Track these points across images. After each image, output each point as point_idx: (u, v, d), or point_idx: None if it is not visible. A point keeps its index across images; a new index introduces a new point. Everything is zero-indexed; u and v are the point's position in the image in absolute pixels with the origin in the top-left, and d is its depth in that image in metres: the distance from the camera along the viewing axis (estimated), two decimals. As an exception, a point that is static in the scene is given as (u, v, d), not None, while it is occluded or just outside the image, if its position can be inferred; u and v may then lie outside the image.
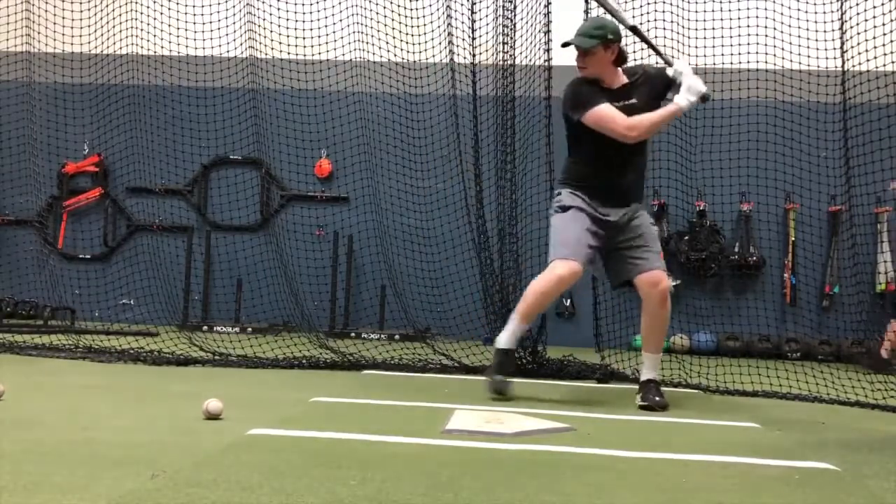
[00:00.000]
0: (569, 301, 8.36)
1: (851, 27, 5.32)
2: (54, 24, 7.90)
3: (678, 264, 8.28)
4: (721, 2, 6.85)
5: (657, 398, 3.89)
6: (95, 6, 7.95)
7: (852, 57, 5.34)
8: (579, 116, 3.92)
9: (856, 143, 5.50)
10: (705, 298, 8.14)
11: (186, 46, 8.00)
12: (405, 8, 7.60)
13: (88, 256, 8.84)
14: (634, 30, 4.15)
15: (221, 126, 8.52)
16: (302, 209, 8.70)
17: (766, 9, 6.97)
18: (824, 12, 6.36)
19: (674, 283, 8.22)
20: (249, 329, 7.95)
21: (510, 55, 5.73)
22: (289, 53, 7.74)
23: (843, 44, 5.43)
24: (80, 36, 7.89)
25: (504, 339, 4.10)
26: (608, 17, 4.27)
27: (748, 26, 7.01)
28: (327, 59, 7.87)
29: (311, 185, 8.77)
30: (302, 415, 3.33)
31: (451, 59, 6.43)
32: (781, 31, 6.75)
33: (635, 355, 5.07)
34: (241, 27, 7.88)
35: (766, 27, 6.92)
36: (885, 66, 4.97)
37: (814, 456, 2.85)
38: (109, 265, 8.78)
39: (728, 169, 7.41)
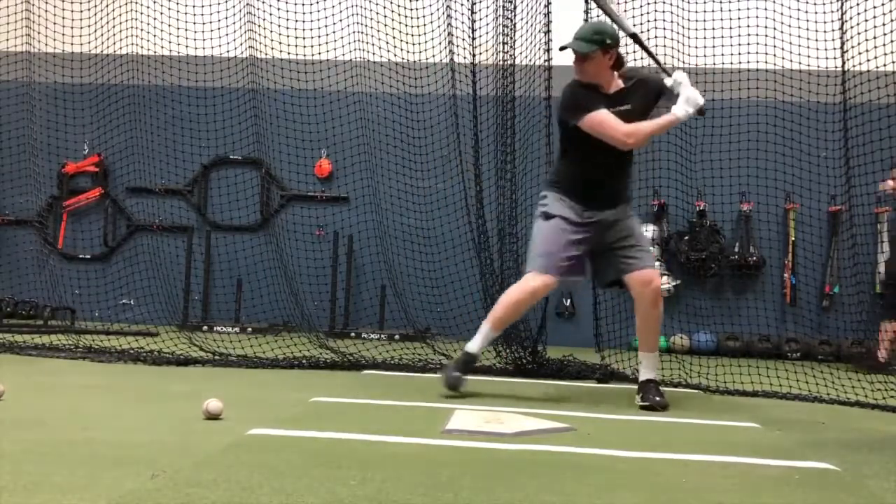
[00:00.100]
0: (569, 301, 8.37)
1: (851, 27, 5.32)
2: (54, 24, 7.90)
3: (678, 264, 8.28)
4: (721, 2, 6.85)
5: (657, 398, 3.89)
6: (95, 6, 7.95)
7: (852, 57, 5.34)
8: (577, 121, 3.92)
9: (856, 143, 5.50)
10: (705, 298, 8.14)
11: (186, 46, 8.00)
12: (405, 8, 7.60)
13: (88, 256, 8.84)
14: (634, 37, 4.14)
15: (221, 126, 8.52)
16: (302, 209, 8.70)
17: (766, 9, 6.97)
18: (824, 12, 6.36)
19: (674, 283, 8.28)
20: (249, 329, 7.95)
21: (510, 55, 5.72)
22: (289, 53, 7.74)
23: (843, 44, 5.43)
24: (80, 36, 7.89)
25: (474, 344, 4.12)
26: (608, 20, 4.27)
27: (748, 26, 7.02)
28: (327, 59, 7.87)
29: (311, 185, 8.77)
30: (302, 415, 3.33)
31: (451, 59, 6.43)
32: (781, 31, 6.75)
33: (635, 355, 5.06)
34: (241, 27, 7.88)
35: (766, 27, 6.92)
36: (885, 66, 4.97)
37: (814, 456, 2.85)
38: (109, 265, 8.78)
39: (728, 169, 7.41)
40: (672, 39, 6.73)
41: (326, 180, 8.82)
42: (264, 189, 8.81)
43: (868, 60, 5.19)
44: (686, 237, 8.28)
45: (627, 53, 4.24)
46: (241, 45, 7.90)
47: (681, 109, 3.87)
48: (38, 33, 7.93)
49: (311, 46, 7.71)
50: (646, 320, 4.01)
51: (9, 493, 1.92)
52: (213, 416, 3.05)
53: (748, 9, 7.13)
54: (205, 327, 7.81)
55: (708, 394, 4.72)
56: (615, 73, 4.02)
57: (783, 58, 6.78)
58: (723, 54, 6.80)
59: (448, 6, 6.48)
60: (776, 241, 8.25)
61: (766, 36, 6.87)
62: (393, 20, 7.72)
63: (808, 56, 6.60)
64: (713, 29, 6.81)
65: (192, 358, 5.20)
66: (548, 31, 5.52)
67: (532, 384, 4.76)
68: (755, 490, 2.34)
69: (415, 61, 7.56)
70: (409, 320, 7.76)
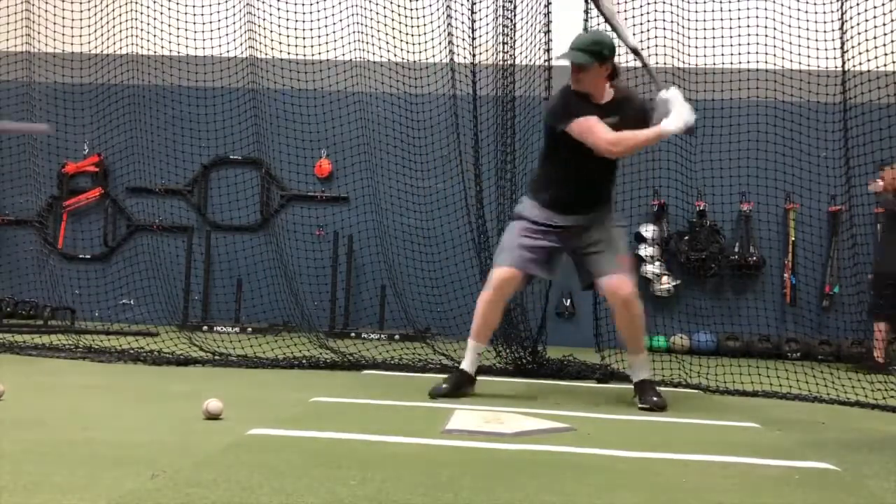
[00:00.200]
0: (569, 301, 8.37)
1: (851, 27, 5.32)
2: (54, 24, 7.90)
3: (678, 264, 8.29)
4: (721, 2, 6.85)
5: (655, 398, 3.89)
6: (95, 6, 7.95)
7: (852, 57, 5.33)
8: (564, 125, 3.91)
9: (856, 143, 5.49)
10: (705, 298, 8.14)
11: (186, 46, 8.00)
12: (405, 8, 7.60)
13: (88, 256, 8.84)
14: (636, 52, 4.13)
15: (221, 126, 8.52)
16: (302, 209, 8.70)
17: (766, 9, 6.97)
18: (824, 12, 6.36)
19: (674, 283, 8.28)
20: (249, 329, 7.94)
21: (510, 55, 5.72)
22: (289, 53, 7.74)
23: (843, 44, 5.43)
24: (80, 36, 7.89)
25: (465, 363, 4.15)
26: (608, 28, 4.26)
27: (748, 26, 7.02)
28: (327, 59, 7.87)
29: (311, 185, 8.77)
30: (302, 415, 3.33)
31: (451, 59, 6.43)
32: (781, 31, 6.75)
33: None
34: (241, 27, 7.88)
35: (766, 27, 6.92)
36: (885, 66, 4.97)
37: (814, 456, 2.85)
38: (109, 265, 8.78)
39: (728, 169, 7.41)
40: (672, 39, 6.73)
41: (326, 180, 8.82)
42: (264, 189, 8.81)
43: (868, 60, 5.19)
44: (686, 237, 8.28)
45: (622, 55, 4.23)
46: (241, 45, 7.90)
47: (671, 124, 3.83)
48: (38, 33, 7.93)
49: (311, 46, 7.71)
50: (622, 325, 4.04)
51: (9, 493, 1.92)
52: (213, 416, 3.05)
53: (748, 9, 7.13)
54: (205, 327, 7.81)
55: (708, 394, 4.72)
56: (609, 83, 4.00)
57: (783, 58, 6.78)
58: (723, 54, 6.81)
59: (448, 6, 6.48)
60: (776, 241, 8.25)
61: (766, 36, 6.87)
62: (393, 20, 7.72)
63: (808, 56, 6.60)
64: (713, 29, 6.81)
65: (192, 358, 5.20)
66: (548, 31, 5.52)
67: (532, 384, 4.76)
68: (755, 490, 2.34)
69: (415, 61, 7.56)
70: (409, 320, 7.76)
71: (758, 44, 6.90)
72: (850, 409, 4.33)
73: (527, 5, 5.83)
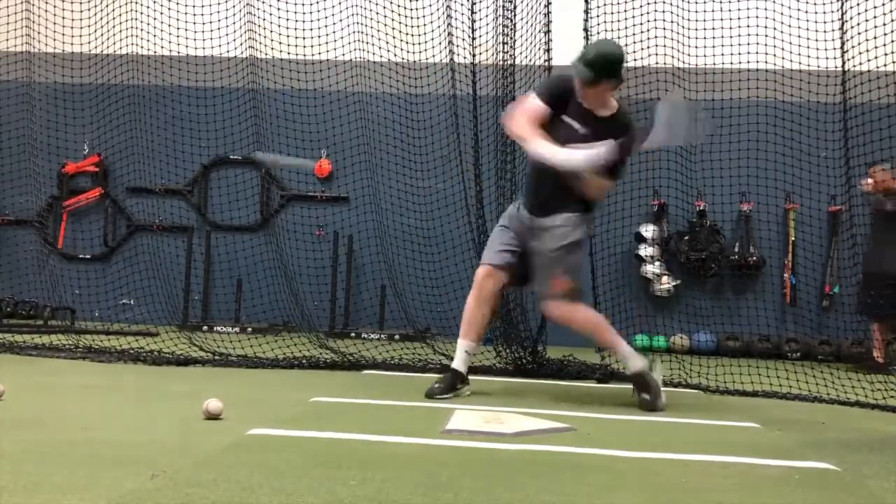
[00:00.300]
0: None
1: (851, 27, 5.32)
2: (54, 24, 7.90)
3: (678, 264, 8.29)
4: (721, 2, 6.85)
5: (645, 397, 3.88)
6: (95, 6, 7.95)
7: (852, 57, 5.34)
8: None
9: (856, 143, 5.49)
10: (705, 298, 8.14)
11: (186, 46, 8.00)
12: (405, 8, 7.60)
13: (88, 256, 8.85)
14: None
15: (221, 126, 8.52)
16: (302, 209, 8.70)
17: (766, 9, 6.97)
18: (824, 12, 6.36)
19: (674, 283, 8.28)
20: (249, 329, 7.94)
21: (510, 55, 5.72)
22: (289, 53, 7.74)
23: (843, 44, 5.43)
24: (80, 36, 7.89)
25: (456, 362, 4.16)
26: (614, 42, 4.26)
27: (748, 26, 7.02)
28: (327, 59, 7.88)
29: (311, 185, 8.77)
30: (302, 415, 3.33)
31: (451, 59, 6.43)
32: (781, 31, 6.75)
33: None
34: (241, 27, 7.89)
35: (766, 27, 6.92)
36: (885, 66, 4.97)
37: (814, 456, 2.85)
38: (109, 265, 8.78)
39: (728, 169, 7.41)
40: (672, 39, 6.74)
41: (326, 180, 8.82)
42: (264, 189, 8.81)
43: (868, 60, 5.19)
44: (686, 237, 8.28)
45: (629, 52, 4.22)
46: (241, 45, 7.90)
47: (572, 157, 3.72)
48: (38, 33, 7.94)
49: (311, 46, 7.72)
50: (577, 329, 4.08)
51: (9, 493, 1.92)
52: (213, 416, 3.05)
53: (748, 9, 7.13)
54: (205, 327, 7.81)
55: (708, 394, 4.72)
56: (611, 96, 3.97)
57: (783, 58, 6.78)
58: (723, 54, 6.81)
59: (448, 6, 6.48)
60: (776, 241, 8.25)
61: (766, 36, 6.87)
62: (393, 20, 7.72)
63: (808, 56, 6.61)
64: (713, 29, 6.82)
65: (192, 358, 5.20)
66: (548, 31, 5.52)
67: (532, 384, 4.76)
68: (755, 490, 2.34)
69: (415, 61, 7.56)
70: (409, 320, 7.76)
71: (758, 44, 6.90)
72: (850, 409, 4.33)
73: (527, 5, 5.83)
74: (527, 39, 5.80)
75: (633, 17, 6.45)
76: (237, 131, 8.51)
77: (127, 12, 8.00)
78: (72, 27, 7.90)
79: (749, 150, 7.66)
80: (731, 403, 4.36)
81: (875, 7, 5.26)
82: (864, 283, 6.62)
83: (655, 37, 6.59)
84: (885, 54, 4.93)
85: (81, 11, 7.93)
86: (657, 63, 6.77)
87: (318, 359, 5.34)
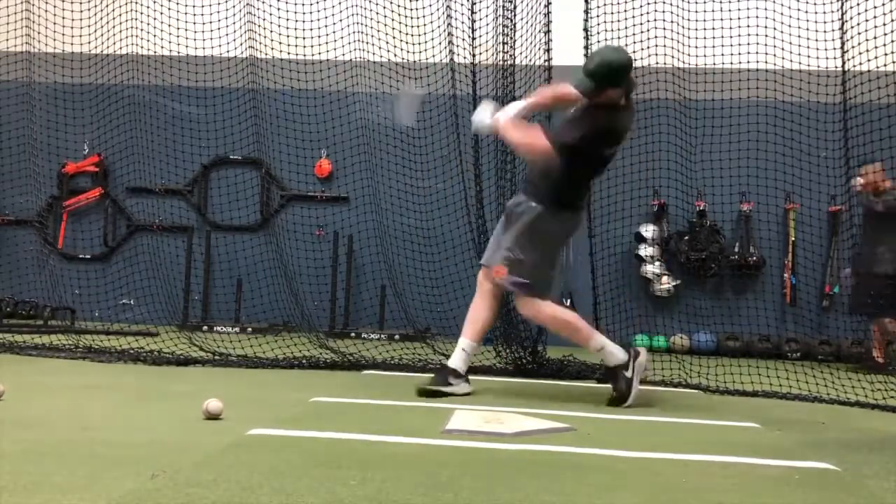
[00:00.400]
0: (569, 301, 8.35)
1: (851, 27, 5.32)
2: (54, 24, 7.90)
3: (678, 264, 8.29)
4: (721, 2, 6.85)
5: (614, 392, 3.98)
6: (95, 6, 7.95)
7: (852, 57, 5.34)
8: None
9: (856, 143, 5.49)
10: (705, 298, 8.15)
11: (186, 46, 8.00)
12: (405, 8, 7.60)
13: (88, 256, 8.85)
14: None
15: (221, 126, 8.52)
16: (302, 209, 8.70)
17: (766, 9, 6.97)
18: (824, 12, 6.36)
19: (674, 283, 8.28)
20: (249, 329, 7.94)
21: (510, 55, 5.72)
22: (289, 53, 7.74)
23: (843, 44, 5.43)
24: (80, 36, 7.89)
25: (451, 359, 4.20)
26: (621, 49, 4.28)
27: (748, 26, 7.02)
28: (327, 59, 7.87)
29: (311, 185, 8.77)
30: (302, 415, 3.33)
31: (451, 59, 6.43)
32: (781, 31, 6.75)
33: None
34: (241, 27, 7.88)
35: (766, 27, 6.92)
36: (885, 66, 4.97)
37: (814, 456, 2.85)
38: (109, 265, 8.78)
39: (728, 169, 7.41)
40: (672, 39, 6.74)
41: (326, 180, 8.82)
42: (264, 189, 8.81)
43: (868, 60, 5.19)
44: (686, 237, 8.28)
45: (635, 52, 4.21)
46: (241, 45, 7.90)
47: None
48: (38, 33, 7.93)
49: (311, 46, 7.71)
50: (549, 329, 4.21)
51: (9, 493, 1.92)
52: (213, 416, 3.05)
53: (748, 9, 7.13)
54: (205, 327, 7.81)
55: (708, 394, 4.72)
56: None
57: (783, 58, 6.78)
58: (723, 54, 6.81)
59: (448, 6, 6.48)
60: (776, 241, 8.25)
61: (766, 36, 6.87)
62: (393, 20, 7.72)
63: (808, 56, 6.61)
64: (713, 29, 6.81)
65: (192, 358, 5.20)
66: (548, 31, 5.52)
67: (532, 384, 4.76)
68: (755, 490, 2.34)
69: (415, 61, 7.56)
70: (409, 320, 7.76)
71: (758, 44, 6.90)
72: (850, 409, 4.33)
73: (527, 5, 5.83)
74: (527, 39, 5.80)
75: (633, 17, 6.45)
76: (237, 131, 8.51)
77: (127, 12, 7.99)
78: (72, 27, 7.90)
79: (749, 150, 7.66)
80: (731, 403, 4.36)
81: (875, 7, 5.26)
82: (857, 283, 6.64)
83: (655, 37, 6.59)
84: (885, 54, 4.93)
85: (81, 11, 7.92)
86: (657, 63, 6.77)
87: (318, 359, 5.34)
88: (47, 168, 8.66)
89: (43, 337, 6.08)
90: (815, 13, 6.51)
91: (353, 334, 7.69)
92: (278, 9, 7.78)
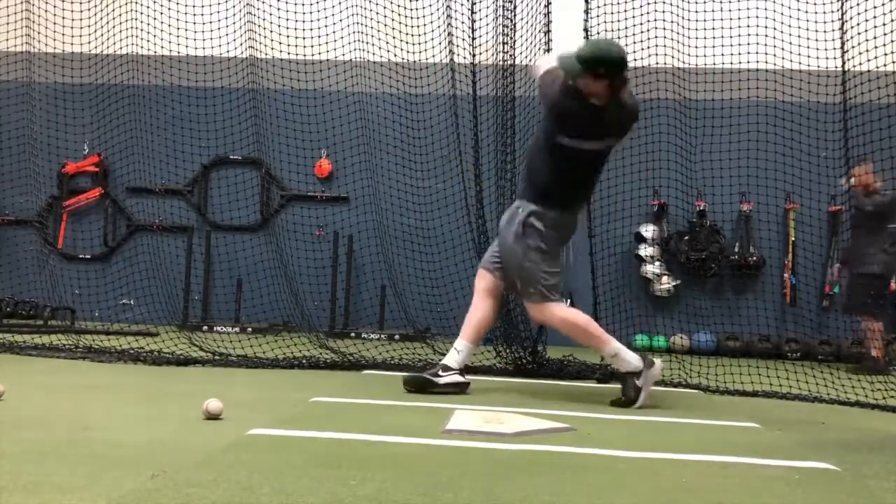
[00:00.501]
0: (568, 301, 8.35)
1: (851, 27, 5.32)
2: (54, 24, 7.90)
3: (678, 264, 8.29)
4: (721, 2, 6.85)
5: (628, 390, 3.94)
6: (95, 6, 7.95)
7: (852, 57, 5.34)
8: None
9: (856, 143, 5.49)
10: (705, 298, 8.15)
11: (186, 46, 8.00)
12: (405, 8, 7.60)
13: (88, 256, 8.85)
14: None
15: (221, 126, 8.52)
16: (302, 209, 8.71)
17: (766, 9, 6.97)
18: (824, 12, 6.36)
19: (674, 283, 8.28)
20: (249, 329, 7.95)
21: (510, 55, 5.73)
22: (289, 53, 7.74)
23: (843, 44, 5.43)
24: (80, 36, 7.89)
25: (450, 359, 4.18)
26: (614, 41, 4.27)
27: (748, 26, 7.02)
28: (327, 59, 7.88)
29: (311, 185, 8.77)
30: (302, 415, 3.33)
31: (451, 59, 6.43)
32: (781, 31, 6.75)
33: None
34: (241, 27, 7.88)
35: (766, 27, 6.92)
36: (885, 66, 4.97)
37: (814, 456, 2.85)
38: (109, 265, 8.78)
39: (728, 169, 7.41)
40: (672, 39, 6.73)
41: (326, 180, 8.82)
42: (264, 189, 8.81)
43: (868, 60, 5.19)
44: (686, 237, 8.29)
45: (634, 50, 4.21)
46: (241, 45, 7.90)
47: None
48: (38, 33, 7.93)
49: (311, 46, 7.72)
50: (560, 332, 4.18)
51: (9, 493, 1.92)
52: (213, 416, 3.05)
53: (748, 9, 7.14)
54: (205, 327, 7.81)
55: (708, 394, 4.72)
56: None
57: (783, 58, 6.78)
58: (723, 54, 6.81)
59: (448, 6, 6.49)
60: (776, 241, 8.25)
61: (766, 36, 6.87)
62: (393, 20, 7.72)
63: (808, 56, 6.61)
64: (713, 29, 6.81)
65: (192, 358, 5.19)
66: (548, 31, 5.52)
67: (532, 384, 4.76)
68: (755, 490, 2.34)
69: (415, 61, 7.57)
70: (409, 320, 7.76)
71: (758, 44, 6.90)
72: (850, 409, 4.33)
73: (527, 5, 5.83)
74: (527, 39, 5.80)
75: (633, 17, 6.45)
76: (237, 131, 8.51)
77: (127, 12, 8.00)
78: (72, 27, 7.90)
79: (749, 150, 7.66)
80: (731, 403, 4.36)
81: (875, 7, 5.26)
82: (849, 283, 6.65)
83: (655, 37, 6.59)
84: (885, 54, 4.93)
85: (81, 11, 7.92)
86: (657, 63, 6.77)
87: (318, 359, 5.34)
88: (47, 168, 8.66)
89: (43, 337, 6.08)
90: (815, 13, 6.51)
91: (353, 334, 7.69)
92: (278, 9, 7.78)
